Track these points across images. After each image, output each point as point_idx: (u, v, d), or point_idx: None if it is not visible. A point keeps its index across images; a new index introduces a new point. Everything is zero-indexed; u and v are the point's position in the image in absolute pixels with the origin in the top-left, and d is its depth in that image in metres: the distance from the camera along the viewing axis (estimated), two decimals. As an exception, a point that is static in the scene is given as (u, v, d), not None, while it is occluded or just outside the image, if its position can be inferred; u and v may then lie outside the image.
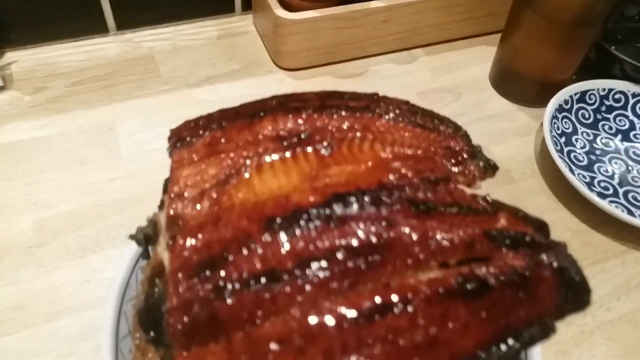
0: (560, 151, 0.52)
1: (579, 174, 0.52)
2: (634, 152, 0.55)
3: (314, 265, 0.18)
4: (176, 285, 0.19)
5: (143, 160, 0.50)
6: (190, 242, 0.20)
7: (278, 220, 0.19)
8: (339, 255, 0.18)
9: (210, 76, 0.59)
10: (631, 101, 0.56)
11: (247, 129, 0.24)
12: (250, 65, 0.61)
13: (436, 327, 0.18)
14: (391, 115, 0.25)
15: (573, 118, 0.56)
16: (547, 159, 0.54)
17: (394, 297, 0.18)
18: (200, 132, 0.24)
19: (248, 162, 0.22)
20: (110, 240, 0.44)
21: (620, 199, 0.50)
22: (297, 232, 0.19)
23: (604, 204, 0.46)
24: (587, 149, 0.55)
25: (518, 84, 0.59)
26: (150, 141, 0.52)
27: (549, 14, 0.52)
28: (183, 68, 0.59)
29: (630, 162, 0.54)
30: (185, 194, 0.22)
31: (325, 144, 0.23)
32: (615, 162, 0.54)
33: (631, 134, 0.56)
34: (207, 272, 0.19)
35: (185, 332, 0.18)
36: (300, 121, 0.24)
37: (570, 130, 0.55)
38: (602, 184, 0.52)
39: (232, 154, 0.23)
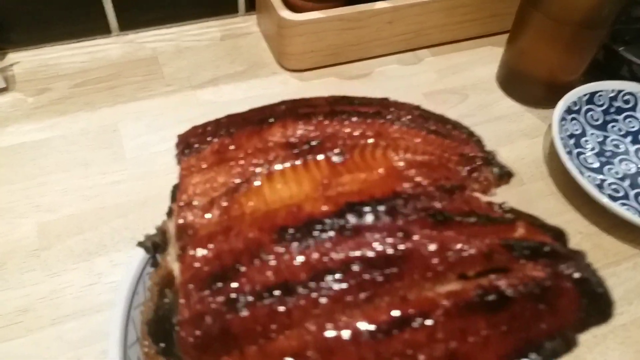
0: (570, 153, 0.51)
1: (588, 176, 0.51)
2: (644, 154, 0.54)
3: (329, 277, 0.18)
4: (187, 297, 0.18)
5: (147, 163, 0.50)
6: (201, 252, 0.19)
7: (290, 230, 0.19)
8: (355, 267, 0.18)
9: (214, 77, 0.58)
10: (640, 102, 0.56)
11: (256, 136, 0.23)
12: (254, 66, 0.60)
13: (456, 341, 0.17)
14: (403, 121, 0.24)
15: (582, 120, 0.55)
16: (555, 161, 0.54)
17: (412, 311, 0.17)
18: (209, 138, 0.24)
19: (258, 170, 0.22)
20: (115, 244, 0.44)
21: (631, 201, 0.50)
22: (311, 242, 0.19)
23: (615, 206, 0.46)
24: (596, 150, 0.54)
25: (525, 85, 0.59)
26: (154, 144, 0.51)
27: (556, 15, 0.52)
28: (186, 69, 0.59)
29: (640, 164, 0.53)
30: (195, 203, 0.21)
31: (336, 151, 0.22)
32: (626, 164, 0.53)
33: (641, 135, 0.55)
34: (219, 284, 0.18)
35: (197, 346, 0.17)
36: (310, 128, 0.23)
37: (579, 132, 0.55)
38: (613, 186, 0.51)
39: (241, 162, 0.22)
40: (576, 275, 0.20)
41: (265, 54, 0.61)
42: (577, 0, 0.50)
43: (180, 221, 0.21)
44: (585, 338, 0.41)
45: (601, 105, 0.56)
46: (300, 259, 0.18)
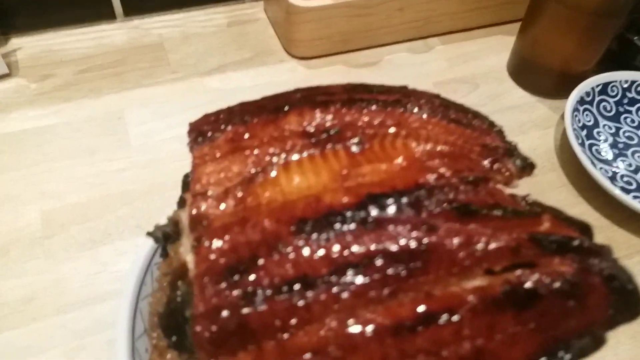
0: (582, 144, 0.51)
1: (600, 167, 0.50)
2: (657, 146, 0.53)
3: (351, 271, 0.17)
4: (202, 290, 0.17)
5: (153, 151, 0.49)
6: (217, 244, 0.18)
7: (310, 222, 0.18)
8: (377, 262, 0.17)
9: (221, 65, 0.57)
10: (654, 94, 0.55)
11: (272, 124, 0.22)
12: (261, 53, 0.59)
13: (482, 338, 0.17)
14: (424, 109, 0.24)
15: (594, 110, 0.54)
16: (567, 152, 0.53)
17: (438, 307, 0.17)
18: (222, 126, 0.23)
19: (274, 159, 0.21)
20: (120, 233, 0.43)
21: (643, 194, 0.49)
22: (331, 235, 0.18)
23: (627, 198, 0.45)
24: (609, 142, 0.53)
25: (537, 75, 0.58)
26: (160, 131, 0.51)
27: (571, 3, 0.50)
28: (193, 56, 0.58)
29: (653, 157, 0.52)
30: (209, 193, 0.20)
31: (355, 140, 0.21)
32: (639, 156, 0.52)
33: (654, 127, 0.54)
34: (236, 277, 0.17)
35: (213, 341, 0.17)
36: (328, 116, 0.22)
37: (591, 123, 0.54)
38: (625, 178, 0.50)
39: (256, 151, 0.21)
40: (606, 271, 0.19)
41: (272, 41, 0.60)
42: (593, -12, 0.49)
43: (194, 211, 0.20)
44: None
45: (614, 96, 0.55)
46: (320, 252, 0.18)
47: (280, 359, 0.17)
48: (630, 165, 0.51)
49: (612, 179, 0.50)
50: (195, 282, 0.18)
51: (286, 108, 0.23)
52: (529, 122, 0.56)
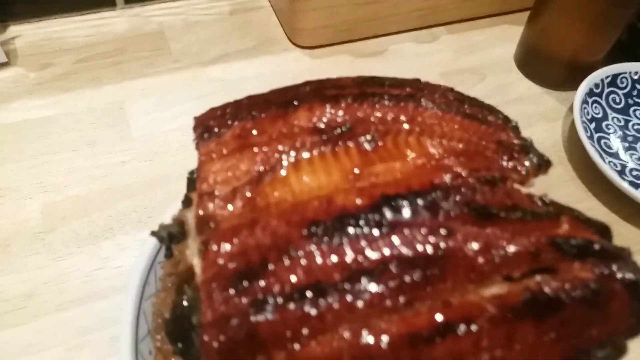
0: (590, 137, 0.50)
1: (609, 161, 0.49)
2: (667, 140, 0.52)
3: (365, 279, 0.16)
4: (210, 297, 0.17)
5: (155, 143, 0.48)
6: (225, 247, 0.18)
7: (322, 225, 0.17)
8: (393, 268, 0.17)
9: (224, 54, 0.56)
10: (665, 86, 0.54)
11: (281, 120, 0.21)
12: (265, 42, 0.58)
13: (502, 349, 0.16)
14: (438, 104, 0.23)
15: (603, 103, 0.53)
16: (575, 145, 0.52)
17: (456, 316, 0.16)
18: (229, 121, 0.22)
19: (283, 157, 0.20)
20: (122, 227, 0.43)
21: (653, 188, 0.48)
22: (344, 240, 0.17)
23: (636, 193, 0.44)
24: (618, 135, 0.52)
25: (545, 65, 0.57)
26: (162, 122, 0.50)
27: (582, -8, 0.49)
28: (195, 45, 0.57)
29: (663, 150, 0.52)
30: (216, 192, 0.20)
31: (368, 137, 0.21)
32: (648, 150, 0.52)
33: (664, 120, 0.53)
34: (245, 283, 0.17)
35: (221, 351, 0.16)
36: (339, 112, 0.22)
37: (600, 115, 0.53)
38: (634, 173, 0.49)
39: (265, 148, 0.21)
40: (627, 277, 0.18)
41: (276, 30, 0.59)
42: (606, -24, 0.48)
43: (201, 212, 0.19)
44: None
45: (624, 88, 0.54)
46: (333, 257, 0.17)
47: (291, 369, 0.16)
48: (639, 158, 0.51)
49: (621, 172, 0.49)
50: (203, 288, 0.17)
51: (295, 102, 0.22)
52: (537, 114, 0.55)
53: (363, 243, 0.17)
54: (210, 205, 0.19)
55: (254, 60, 0.56)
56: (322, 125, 0.21)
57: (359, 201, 0.18)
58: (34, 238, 0.41)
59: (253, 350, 0.16)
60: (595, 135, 0.51)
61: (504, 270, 0.17)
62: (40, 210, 0.43)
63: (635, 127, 0.53)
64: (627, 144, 0.52)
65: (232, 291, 0.17)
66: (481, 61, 0.59)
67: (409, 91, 0.23)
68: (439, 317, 0.16)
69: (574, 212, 0.21)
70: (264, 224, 0.18)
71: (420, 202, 0.18)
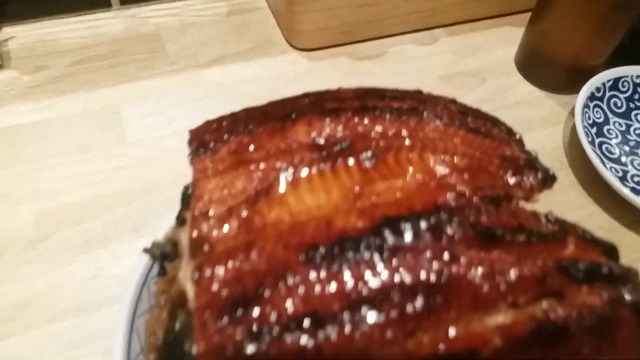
0: (592, 142, 0.49)
1: (611, 167, 0.49)
2: (669, 144, 0.52)
3: (365, 308, 0.16)
4: (203, 326, 0.16)
5: (150, 148, 0.47)
6: (219, 273, 0.17)
7: (321, 249, 0.17)
8: (394, 297, 0.16)
9: (221, 56, 0.55)
10: (667, 89, 0.53)
11: (279, 134, 0.21)
12: (262, 44, 0.57)
13: (508, 381, 0.15)
14: (440, 118, 0.22)
15: (605, 107, 0.53)
16: (576, 150, 0.51)
17: (460, 348, 0.15)
18: (225, 136, 0.21)
19: (281, 174, 0.19)
20: (117, 235, 0.42)
21: (656, 195, 0.47)
22: (344, 266, 0.16)
23: (637, 200, 0.44)
24: (619, 140, 0.52)
25: (547, 68, 0.56)
26: (158, 126, 0.49)
27: (585, -6, 0.48)
28: (191, 47, 0.56)
29: (665, 155, 0.51)
30: (211, 212, 0.19)
31: (368, 154, 0.20)
32: (651, 156, 0.51)
33: (666, 124, 0.53)
34: (239, 312, 0.16)
35: (215, 382, 0.15)
36: (339, 126, 0.21)
37: (601, 120, 0.52)
38: (636, 179, 0.49)
39: (262, 165, 0.20)
40: (636, 302, 0.17)
41: (274, 31, 0.58)
42: (609, -21, 0.47)
43: (195, 234, 0.18)
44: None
45: (625, 92, 0.54)
46: (332, 285, 0.16)
47: (288, 402, 0.15)
48: (641, 164, 0.50)
49: (623, 178, 0.48)
50: (196, 316, 0.16)
51: (294, 116, 0.21)
52: (538, 119, 0.54)
53: (363, 269, 0.16)
54: (205, 227, 0.18)
55: (252, 62, 0.55)
56: (321, 141, 0.20)
57: (359, 223, 0.17)
58: (26, 247, 0.40)
59: (248, 382, 0.15)
60: (597, 140, 0.50)
61: (510, 297, 0.17)
62: (33, 218, 0.42)
63: (637, 131, 0.53)
64: (628, 149, 0.51)
65: (225, 320, 0.16)
66: (481, 63, 0.58)
67: (411, 104, 0.22)
68: (442, 349, 0.15)
69: (580, 230, 0.20)
70: (260, 247, 0.17)
71: (422, 224, 0.17)
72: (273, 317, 0.16)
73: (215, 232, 0.18)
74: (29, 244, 0.41)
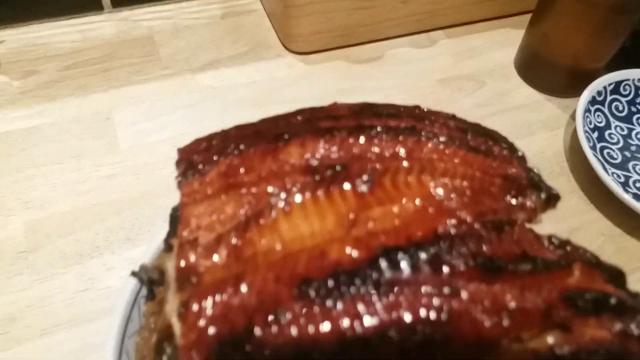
0: (593, 147, 0.48)
1: (612, 172, 0.48)
2: (671, 149, 0.51)
3: (361, 350, 0.15)
4: (191, 366, 0.15)
5: (143, 154, 0.46)
6: (206, 308, 0.16)
7: (314, 284, 0.16)
8: (392, 336, 0.15)
9: (215, 60, 0.54)
10: (669, 93, 0.52)
11: (271, 156, 0.20)
12: (257, 47, 0.56)
13: None
14: (439, 137, 0.21)
15: (606, 111, 0.52)
16: (578, 155, 0.50)
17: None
18: (215, 157, 0.20)
19: (273, 200, 0.19)
20: (109, 245, 0.41)
21: (658, 201, 0.47)
22: (338, 302, 0.16)
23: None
24: (621, 145, 0.51)
25: (547, 71, 0.55)
26: (150, 133, 0.48)
27: (586, -3, 0.48)
28: (185, 50, 0.55)
29: (668, 160, 0.50)
30: (199, 240, 0.18)
31: (364, 178, 0.19)
32: (653, 161, 0.50)
33: (668, 128, 0.52)
34: (228, 351, 0.15)
35: None
36: (333, 147, 0.20)
37: (603, 124, 0.51)
38: (638, 184, 0.48)
39: (253, 189, 0.19)
40: (646, 334, 0.17)
41: (269, 34, 0.57)
42: (610, -18, 0.46)
43: (182, 263, 0.18)
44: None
45: (627, 95, 0.53)
46: (325, 325, 0.15)
47: None
48: (643, 170, 0.49)
49: (625, 184, 0.48)
50: (182, 355, 0.15)
51: (286, 136, 0.20)
52: (538, 122, 0.53)
53: (359, 306, 0.15)
54: (192, 256, 0.18)
55: (246, 66, 0.54)
56: (314, 163, 0.20)
57: (355, 254, 0.17)
58: (16, 257, 0.40)
59: None
60: (598, 145, 0.50)
61: (513, 333, 0.16)
62: (23, 228, 0.41)
63: (639, 135, 0.52)
64: (629, 154, 0.50)
65: None
66: (480, 67, 0.57)
67: (408, 122, 0.21)
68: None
69: (585, 254, 0.20)
70: (250, 279, 0.17)
71: (422, 255, 0.16)
72: (263, 358, 0.15)
73: (202, 262, 0.17)
74: (19, 254, 0.40)
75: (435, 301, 0.16)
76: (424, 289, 0.16)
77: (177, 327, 0.17)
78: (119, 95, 0.50)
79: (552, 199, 0.22)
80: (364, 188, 0.19)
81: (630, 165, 0.49)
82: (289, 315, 0.15)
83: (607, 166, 0.48)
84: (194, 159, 0.21)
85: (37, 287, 0.38)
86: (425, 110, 0.23)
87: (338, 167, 0.19)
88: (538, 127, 0.53)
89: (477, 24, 0.61)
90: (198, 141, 0.22)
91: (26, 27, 0.55)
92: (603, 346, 0.16)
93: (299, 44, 0.55)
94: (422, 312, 0.15)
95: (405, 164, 0.20)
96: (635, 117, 0.53)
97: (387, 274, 0.16)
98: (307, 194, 0.19)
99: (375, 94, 0.53)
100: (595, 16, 0.48)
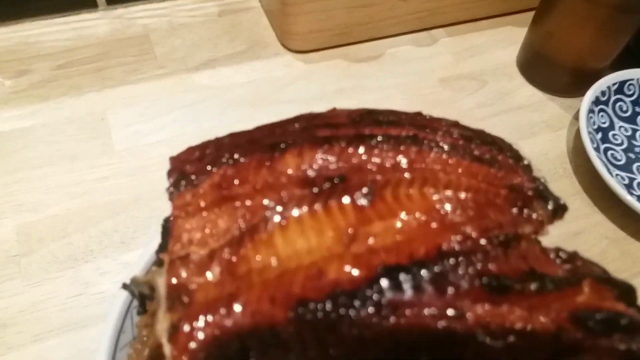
0: (597, 149, 0.47)
1: (616, 174, 0.47)
2: (676, 150, 0.50)
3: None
4: (181, 393, 0.14)
5: (138, 156, 0.45)
6: (197, 330, 0.15)
7: (311, 306, 0.15)
8: (394, 361, 0.14)
9: (212, 59, 0.53)
10: (674, 93, 0.51)
11: (266, 167, 0.19)
12: (255, 46, 0.55)
13: None
14: (442, 147, 0.20)
15: (610, 111, 0.51)
16: (581, 156, 0.50)
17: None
18: (208, 167, 0.19)
19: (268, 213, 0.18)
20: (103, 249, 0.40)
21: (662, 204, 0.46)
22: (337, 326, 0.15)
23: (645, 209, 0.42)
24: (625, 146, 0.50)
25: (550, 71, 0.54)
26: (146, 134, 0.47)
27: (591, -5, 0.47)
28: (181, 49, 0.54)
29: (672, 162, 0.49)
30: (191, 256, 0.17)
31: (364, 191, 0.18)
32: (657, 163, 0.49)
33: (673, 129, 0.51)
34: (221, 377, 0.14)
35: None
36: (332, 158, 0.19)
37: (607, 124, 0.50)
38: (643, 187, 0.47)
39: (248, 202, 0.18)
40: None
41: (267, 32, 0.56)
42: (616, -20, 0.45)
43: (173, 281, 0.17)
44: None
45: (631, 95, 0.52)
46: (322, 351, 0.14)
47: None
48: (648, 172, 0.48)
49: (629, 186, 0.47)
50: (172, 381, 0.15)
51: (283, 146, 0.19)
52: (540, 123, 0.52)
53: (359, 330, 0.15)
54: (183, 273, 0.17)
55: (243, 65, 0.53)
56: (312, 174, 0.19)
57: (354, 273, 0.16)
58: (8, 262, 0.39)
59: None
60: (602, 146, 0.49)
61: (522, 357, 0.15)
62: (15, 232, 0.40)
63: (643, 136, 0.51)
64: (634, 156, 0.49)
65: (206, 387, 0.14)
66: (482, 66, 0.56)
67: (410, 130, 0.20)
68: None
69: (594, 269, 0.19)
70: (245, 299, 0.16)
71: (425, 275, 0.16)
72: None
73: (194, 280, 0.17)
74: (11, 259, 0.39)
75: (440, 324, 0.15)
76: (427, 311, 0.15)
77: (167, 349, 0.16)
78: (113, 95, 0.49)
79: (560, 210, 0.21)
80: (363, 201, 0.18)
81: (634, 167, 0.49)
82: (284, 341, 0.15)
83: (611, 168, 0.47)
84: (187, 169, 0.20)
85: (30, 292, 0.38)
86: (427, 117, 0.22)
87: (336, 179, 0.18)
88: (541, 128, 0.52)
89: (478, 22, 0.60)
90: (191, 150, 0.21)
91: (18, 25, 0.53)
92: (615, 370, 0.15)
93: (297, 43, 0.54)
94: (426, 337, 0.15)
95: (407, 175, 0.19)
96: (639, 117, 0.52)
97: (388, 295, 0.15)
98: (304, 208, 0.18)
99: (375, 94, 0.52)
100: (600, 15, 0.47)
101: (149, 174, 0.44)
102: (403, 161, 0.19)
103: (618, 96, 0.51)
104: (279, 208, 0.18)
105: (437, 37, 0.59)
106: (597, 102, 0.50)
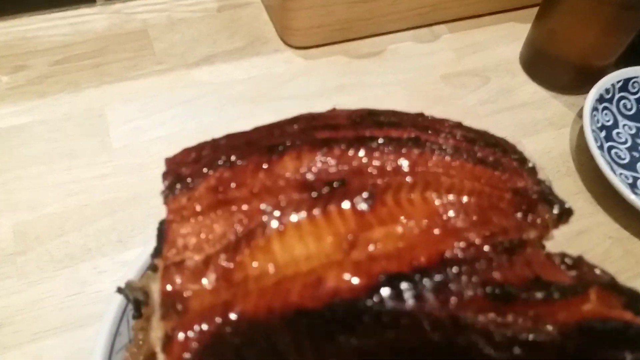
0: (600, 147, 0.47)
1: (620, 173, 0.47)
2: (681, 149, 0.50)
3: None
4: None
5: (137, 153, 0.45)
6: (192, 340, 0.15)
7: (309, 316, 0.15)
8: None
9: (211, 55, 0.53)
10: (679, 91, 0.51)
11: (264, 170, 0.18)
12: (255, 42, 0.54)
13: None
14: (444, 149, 0.20)
15: (614, 109, 0.50)
16: (584, 155, 0.49)
17: None
18: (204, 169, 0.19)
19: (266, 218, 0.17)
20: (101, 248, 0.40)
21: (667, 203, 0.45)
22: (335, 337, 0.14)
23: (648, 209, 0.42)
24: (629, 144, 0.49)
25: (553, 68, 0.53)
26: (144, 130, 0.46)
27: (596, -8, 0.46)
28: (180, 45, 0.53)
29: (677, 161, 0.49)
30: (186, 262, 0.17)
31: (365, 195, 0.18)
32: (662, 161, 0.49)
33: (678, 127, 0.50)
34: (216, 389, 0.14)
35: None
36: (331, 161, 0.19)
37: (610, 123, 0.50)
38: (647, 186, 0.47)
39: (244, 206, 0.18)
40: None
41: (267, 28, 0.56)
42: (621, -23, 0.44)
43: (168, 288, 0.16)
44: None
45: (635, 93, 0.51)
46: (322, 361, 0.14)
47: None
48: (652, 171, 0.48)
49: (633, 185, 0.46)
50: (166, 393, 0.14)
51: (281, 148, 0.19)
52: (544, 120, 0.52)
53: (358, 341, 0.14)
54: (178, 279, 0.16)
55: (243, 61, 0.52)
56: (311, 178, 0.18)
57: (354, 281, 0.15)
58: (5, 261, 0.38)
59: None
60: (606, 145, 0.48)
61: (527, 370, 0.15)
62: (12, 230, 0.40)
63: (647, 135, 0.50)
64: (638, 154, 0.49)
65: (200, 399, 0.14)
66: (484, 62, 0.56)
67: (412, 132, 0.20)
68: None
69: (601, 276, 0.18)
70: (241, 308, 0.15)
71: (427, 284, 0.15)
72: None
73: (189, 287, 0.16)
74: (8, 257, 0.39)
75: (440, 334, 0.14)
76: (428, 321, 0.15)
77: (161, 358, 0.15)
78: (112, 92, 0.49)
79: (565, 214, 0.20)
80: (364, 206, 0.17)
81: (638, 165, 0.48)
82: (282, 353, 0.14)
83: (615, 167, 0.47)
84: (182, 172, 0.19)
85: (27, 291, 0.37)
86: (429, 118, 0.21)
87: (336, 183, 0.18)
88: (544, 126, 0.52)
89: (481, 18, 0.60)
90: (187, 151, 0.20)
91: (14, 20, 0.53)
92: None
93: (297, 38, 0.53)
94: (428, 349, 0.14)
95: (408, 179, 0.18)
96: (643, 115, 0.51)
97: (389, 304, 0.15)
98: (303, 213, 0.17)
99: (375, 90, 0.52)
100: (604, 12, 0.47)
101: (147, 172, 0.44)
102: (404, 164, 0.19)
103: (622, 94, 0.51)
104: (277, 213, 0.17)
105: (439, 33, 0.58)
106: (601, 99, 0.49)
